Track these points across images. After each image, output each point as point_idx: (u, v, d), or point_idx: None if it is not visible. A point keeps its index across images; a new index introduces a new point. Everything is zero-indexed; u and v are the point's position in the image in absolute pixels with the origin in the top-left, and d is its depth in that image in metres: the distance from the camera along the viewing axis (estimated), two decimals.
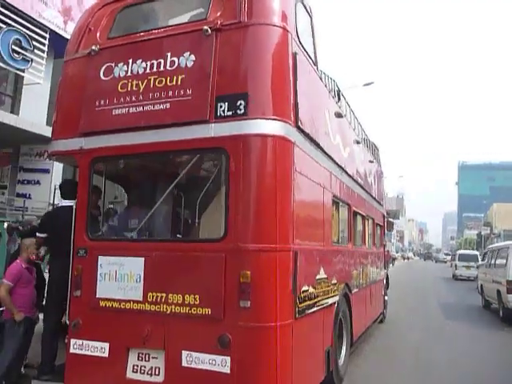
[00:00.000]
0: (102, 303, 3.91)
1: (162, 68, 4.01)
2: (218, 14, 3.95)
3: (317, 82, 4.69)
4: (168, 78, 3.95)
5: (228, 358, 3.42)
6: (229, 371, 3.39)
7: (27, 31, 12.03)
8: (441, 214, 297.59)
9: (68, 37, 5.12)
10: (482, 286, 13.50)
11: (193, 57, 3.92)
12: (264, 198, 3.58)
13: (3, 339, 4.37)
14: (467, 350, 7.77)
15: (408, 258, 73.56)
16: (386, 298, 10.78)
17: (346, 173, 6.08)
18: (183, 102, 3.85)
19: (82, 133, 4.23)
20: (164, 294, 3.68)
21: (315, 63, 4.74)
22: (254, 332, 3.43)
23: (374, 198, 9.02)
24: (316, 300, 4.28)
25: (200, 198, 3.98)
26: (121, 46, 4.28)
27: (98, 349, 3.89)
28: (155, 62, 4.05)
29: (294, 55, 3.91)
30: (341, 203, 5.86)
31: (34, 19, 12.24)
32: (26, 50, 11.95)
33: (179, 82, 3.90)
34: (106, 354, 3.86)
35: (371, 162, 8.67)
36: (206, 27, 3.86)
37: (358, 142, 7.08)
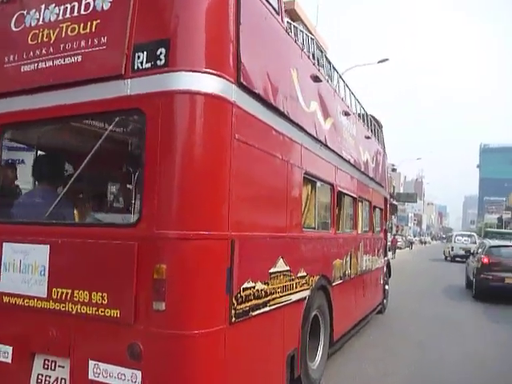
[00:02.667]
0: (5, 299, 3.24)
1: (75, 13, 3.23)
2: None
3: (277, 33, 3.86)
4: (82, 25, 3.17)
5: (139, 373, 2.72)
6: None
7: None
8: (461, 197, 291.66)
9: None
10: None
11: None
12: (187, 173, 2.82)
13: None
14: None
15: (425, 243, 72.05)
16: (387, 287, 9.99)
17: (328, 148, 5.26)
18: (96, 54, 3.08)
19: None
20: (70, 291, 2.98)
21: (278, 12, 3.91)
22: (168, 341, 2.70)
23: (372, 179, 8.15)
24: (269, 298, 3.53)
25: (116, 175, 3.24)
26: None
27: (1, 353, 3.24)
28: (69, 6, 3.26)
29: None
30: (319, 182, 5.06)
31: None
32: None
33: (93, 29, 3.12)
34: (9, 360, 3.21)
35: (368, 138, 7.77)
36: None
37: (347, 114, 6.21)
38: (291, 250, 4.04)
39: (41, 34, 3.32)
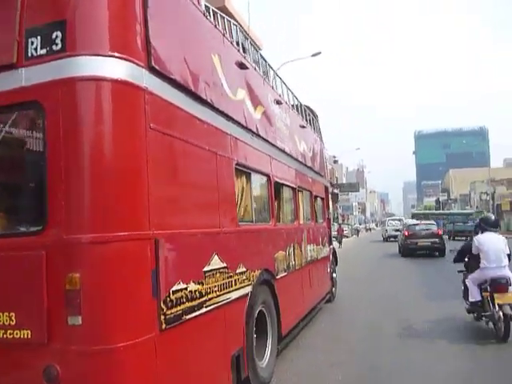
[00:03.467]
0: None
1: None
2: None
3: (194, 17, 3.62)
4: None
5: None
6: None
7: None
8: (401, 183, 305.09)
9: None
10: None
11: None
12: (95, 169, 2.52)
13: None
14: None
15: (370, 230, 74.55)
16: (335, 275, 10.04)
17: (261, 137, 5.09)
18: None
19: None
20: None
21: None
22: (89, 359, 2.40)
23: (311, 169, 8.11)
24: (205, 298, 3.30)
25: (16, 178, 2.88)
26: None
27: None
28: None
29: None
30: (254, 174, 4.88)
31: None
32: None
33: None
34: None
35: (303, 127, 7.70)
36: None
37: (279, 103, 6.08)
38: (227, 246, 3.82)
39: None
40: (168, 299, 2.80)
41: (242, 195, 4.58)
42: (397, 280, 12.92)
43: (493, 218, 6.99)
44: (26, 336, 2.46)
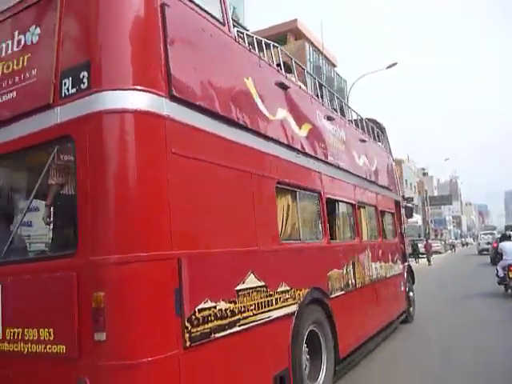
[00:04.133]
0: None
1: (9, 50, 3.27)
2: None
3: (221, 44, 3.76)
4: (15, 61, 3.19)
5: None
6: None
7: None
8: (502, 193, 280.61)
9: None
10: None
11: (38, 30, 3.15)
12: (118, 195, 2.70)
13: None
14: None
15: (467, 244, 69.20)
16: (411, 294, 9.47)
17: (308, 154, 5.07)
18: (28, 87, 3.08)
19: None
20: (21, 330, 2.88)
21: (223, 23, 3.83)
22: (113, 373, 2.54)
23: (375, 183, 7.84)
24: (238, 317, 3.32)
25: (55, 206, 3.17)
26: None
27: None
28: (4, 45, 3.31)
29: (162, 7, 3.03)
30: (300, 191, 4.84)
31: None
32: None
33: (25, 64, 3.14)
34: None
35: (363, 141, 7.50)
36: None
37: (330, 119, 6.01)
38: (265, 265, 3.82)
39: None
40: (193, 317, 2.87)
41: (286, 213, 4.57)
42: (481, 298, 11.92)
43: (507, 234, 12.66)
44: (61, 351, 2.67)
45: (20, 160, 3.51)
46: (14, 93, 3.13)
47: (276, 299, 3.88)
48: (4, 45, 3.30)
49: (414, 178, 62.78)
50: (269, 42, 4.96)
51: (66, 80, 2.89)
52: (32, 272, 2.90)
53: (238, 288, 3.39)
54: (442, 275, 19.99)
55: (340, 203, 6.08)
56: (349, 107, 7.69)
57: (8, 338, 2.93)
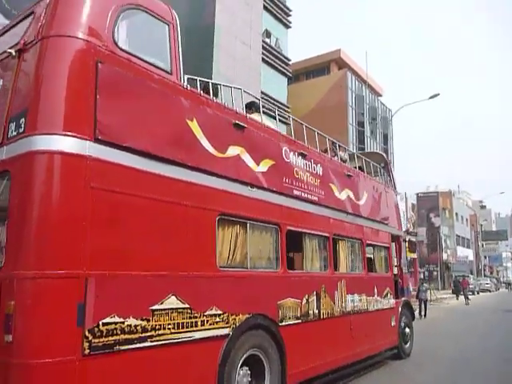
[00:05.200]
0: None
1: None
2: (28, 34, 3.85)
3: (163, 90, 4.26)
4: None
5: None
6: None
7: None
8: None
9: None
10: None
11: (1, 81, 3.85)
12: (39, 221, 3.26)
13: None
14: None
15: None
16: (408, 330, 9.39)
17: (268, 189, 5.45)
18: None
19: None
20: None
21: (170, 72, 4.38)
22: (16, 370, 3.05)
23: (364, 217, 7.99)
24: (152, 333, 3.73)
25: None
26: None
27: None
28: None
29: (96, 64, 3.62)
30: (254, 223, 5.22)
31: None
32: None
33: None
34: None
35: (349, 176, 7.73)
36: (10, 50, 3.78)
37: (303, 156, 6.37)
38: (194, 289, 4.22)
39: None
40: (96, 329, 3.33)
41: (234, 243, 4.95)
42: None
43: None
44: None
45: None
46: None
47: (202, 321, 4.25)
48: None
49: (465, 210, 60.21)
50: (229, 85, 5.44)
51: (12, 124, 3.53)
52: None
53: (154, 308, 3.81)
54: (470, 318, 19.11)
55: (308, 235, 6.35)
56: (339, 145, 8.01)
57: None
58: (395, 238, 9.63)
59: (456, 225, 54.55)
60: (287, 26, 30.15)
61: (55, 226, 3.28)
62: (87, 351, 3.26)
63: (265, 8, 27.56)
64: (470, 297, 27.91)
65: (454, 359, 9.11)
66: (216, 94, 5.19)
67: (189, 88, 4.61)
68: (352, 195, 7.72)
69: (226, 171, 4.84)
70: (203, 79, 4.98)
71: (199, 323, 4.22)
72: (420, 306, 18.16)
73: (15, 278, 3.16)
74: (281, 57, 29.02)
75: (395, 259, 9.66)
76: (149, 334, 3.73)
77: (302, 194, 6.22)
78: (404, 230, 10.31)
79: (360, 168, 9.02)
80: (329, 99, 32.51)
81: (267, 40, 27.96)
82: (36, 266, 3.17)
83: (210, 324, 4.35)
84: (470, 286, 35.99)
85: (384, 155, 10.60)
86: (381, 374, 7.86)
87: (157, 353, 3.79)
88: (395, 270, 9.60)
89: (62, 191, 3.35)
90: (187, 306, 4.10)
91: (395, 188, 10.24)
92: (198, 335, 4.19)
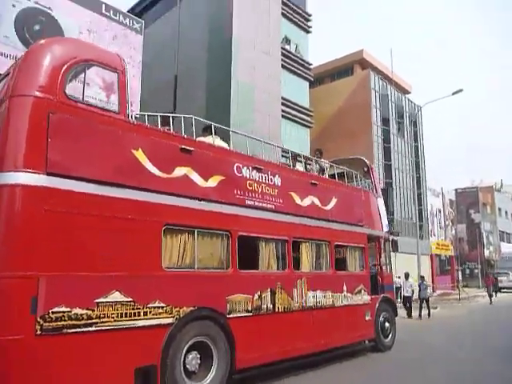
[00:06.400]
0: None
1: None
2: (3, 92, 5.05)
3: (111, 127, 5.30)
4: None
5: None
6: None
7: None
8: None
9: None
10: None
11: None
12: (1, 235, 4.44)
13: None
14: None
15: None
16: (388, 324, 10.04)
17: (219, 202, 6.42)
18: None
19: None
20: None
21: (119, 111, 5.45)
22: None
23: (332, 221, 8.74)
24: (95, 321, 4.79)
25: None
26: None
27: None
28: None
29: (48, 114, 4.75)
30: (202, 230, 6.20)
31: None
32: None
33: None
34: None
35: (313, 184, 8.52)
36: None
37: (258, 170, 7.27)
38: (137, 285, 5.26)
39: None
40: (46, 316, 4.44)
41: (182, 247, 5.96)
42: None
43: None
44: None
45: None
46: None
47: (145, 312, 5.28)
48: None
49: (510, 205, 57.95)
50: (168, 115, 6.49)
51: None
52: None
53: (98, 300, 4.89)
54: (478, 316, 18.93)
55: (263, 239, 7.22)
56: (305, 157, 8.87)
57: None
58: (374, 239, 10.28)
59: (499, 220, 52.75)
60: (307, 31, 30.78)
61: (14, 238, 4.43)
62: (39, 332, 4.38)
63: (283, 15, 28.38)
64: (504, 295, 27.36)
65: (426, 350, 9.70)
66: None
67: (135, 123, 5.69)
68: (317, 201, 8.52)
69: (171, 188, 5.86)
70: (163, 114, 6.07)
71: (142, 313, 5.25)
72: (420, 305, 17.61)
73: None
74: (301, 62, 29.71)
75: (378, 258, 10.32)
76: (94, 321, 4.81)
77: (256, 203, 7.13)
78: (386, 230, 10.86)
79: (339, 175, 9.80)
80: (353, 100, 32.86)
81: (287, 47, 28.75)
82: (3, 268, 4.33)
83: (153, 314, 5.37)
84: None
85: (366, 161, 11.22)
86: (352, 363, 8.62)
87: (102, 336, 4.87)
88: (375, 269, 10.27)
89: (21, 213, 4.50)
90: (130, 299, 5.15)
91: (376, 191, 10.86)
92: (140, 323, 5.23)
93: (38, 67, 4.95)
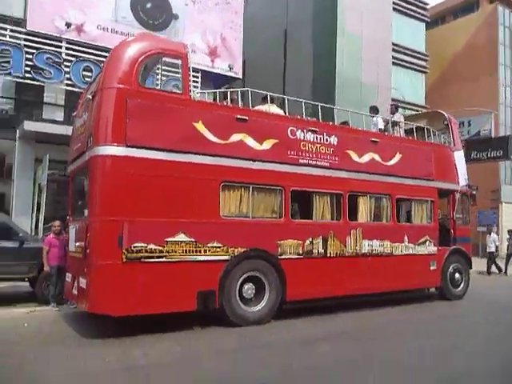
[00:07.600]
0: None
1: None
2: (96, 86, 6.80)
3: (177, 106, 6.76)
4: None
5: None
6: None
7: None
8: None
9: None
10: None
11: (85, 116, 6.94)
12: (96, 190, 6.30)
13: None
14: None
15: None
16: (458, 275, 10.35)
17: (272, 161, 7.59)
18: (81, 144, 6.92)
19: None
20: None
21: (183, 92, 6.87)
22: (92, 267, 6.18)
23: (394, 175, 9.23)
24: (165, 254, 6.45)
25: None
26: None
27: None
28: None
29: (126, 100, 6.34)
30: (256, 186, 7.46)
31: None
32: None
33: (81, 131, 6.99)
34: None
35: (374, 142, 9.04)
36: (88, 95, 6.81)
37: (313, 131, 8.15)
38: (199, 229, 6.77)
39: None
40: (129, 249, 6.21)
41: (239, 200, 7.31)
42: None
43: None
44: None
45: None
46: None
47: (205, 249, 6.82)
48: None
49: None
50: (239, 89, 7.63)
51: (89, 139, 6.55)
52: None
53: (168, 239, 6.53)
54: None
55: (317, 193, 8.20)
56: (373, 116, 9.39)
57: None
58: (448, 192, 10.42)
59: None
60: None
61: (106, 194, 6.24)
62: (124, 260, 6.19)
63: None
64: None
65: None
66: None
67: (196, 99, 7.05)
68: (378, 157, 9.07)
69: (228, 152, 7.17)
70: (210, 91, 7.32)
71: (202, 251, 6.80)
72: (507, 260, 16.68)
73: (90, 220, 6.26)
74: (416, 2, 27.82)
75: (451, 211, 10.50)
76: (164, 254, 6.49)
77: (310, 162, 8.08)
78: (463, 184, 10.77)
79: (414, 130, 10.13)
80: (476, 39, 29.69)
81: None
82: (99, 215, 6.19)
83: (212, 252, 6.88)
84: None
85: (445, 114, 11.06)
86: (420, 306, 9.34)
87: (170, 265, 6.54)
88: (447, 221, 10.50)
89: (110, 176, 6.28)
90: (193, 239, 6.72)
91: (455, 145, 10.78)
92: (201, 258, 6.79)
93: (117, 64, 6.55)
